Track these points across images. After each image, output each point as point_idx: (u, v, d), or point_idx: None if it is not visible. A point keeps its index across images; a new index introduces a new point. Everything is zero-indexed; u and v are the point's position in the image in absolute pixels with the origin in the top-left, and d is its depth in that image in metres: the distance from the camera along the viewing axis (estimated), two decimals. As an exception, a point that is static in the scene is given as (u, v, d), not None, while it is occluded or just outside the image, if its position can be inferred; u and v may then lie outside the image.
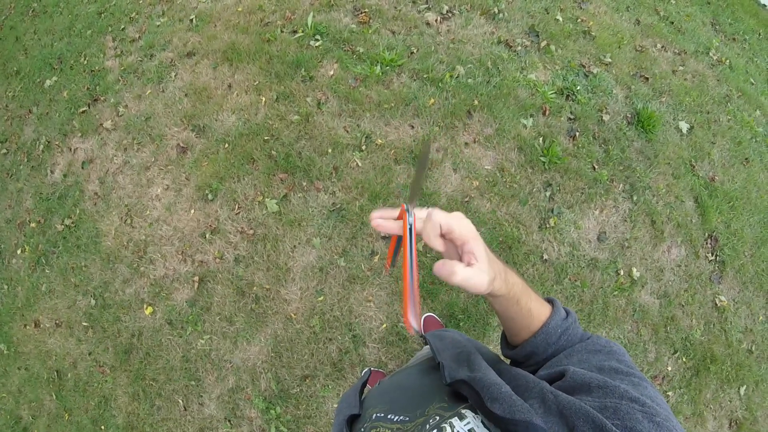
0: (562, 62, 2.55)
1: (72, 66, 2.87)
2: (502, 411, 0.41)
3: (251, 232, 2.16)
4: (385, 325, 2.02)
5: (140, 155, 2.43)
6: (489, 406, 0.43)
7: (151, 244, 2.25)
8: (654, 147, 2.43)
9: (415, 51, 2.47)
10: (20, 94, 2.95)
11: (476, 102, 2.35)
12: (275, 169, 2.24)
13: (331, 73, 2.42)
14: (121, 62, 2.74)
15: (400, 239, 0.52)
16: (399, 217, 0.50)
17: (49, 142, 2.66)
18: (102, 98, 2.65)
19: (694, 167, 2.46)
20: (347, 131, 2.30)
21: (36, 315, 2.36)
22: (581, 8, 2.81)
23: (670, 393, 2.08)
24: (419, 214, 0.50)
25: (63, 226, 2.41)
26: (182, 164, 2.35)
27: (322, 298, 2.06)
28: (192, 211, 2.25)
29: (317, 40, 2.51)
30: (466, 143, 2.28)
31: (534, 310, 0.57)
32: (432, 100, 2.34)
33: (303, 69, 2.43)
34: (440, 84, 2.37)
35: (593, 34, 2.69)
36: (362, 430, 0.55)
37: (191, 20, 2.74)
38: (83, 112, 2.65)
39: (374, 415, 0.56)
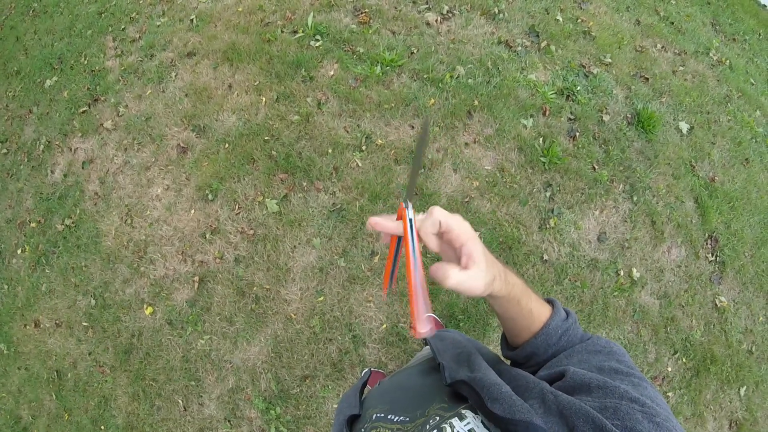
0: (562, 62, 2.55)
1: (72, 66, 2.87)
2: (502, 411, 0.41)
3: (251, 232, 2.16)
4: (385, 326, 2.02)
5: (140, 155, 2.43)
6: (489, 407, 0.43)
7: (151, 244, 2.25)
8: (654, 147, 2.43)
9: (415, 51, 2.48)
10: (21, 94, 2.95)
11: (476, 102, 2.35)
12: (275, 170, 2.24)
13: (332, 73, 2.43)
14: (122, 62, 2.74)
15: (398, 243, 0.51)
16: (398, 218, 0.49)
17: (49, 142, 2.66)
18: (102, 98, 2.65)
19: (694, 168, 2.46)
20: (347, 131, 2.30)
21: (36, 315, 2.36)
22: (581, 8, 2.82)
23: (670, 394, 2.08)
24: (419, 216, 0.50)
25: (63, 226, 2.41)
26: (182, 164, 2.35)
27: (322, 298, 2.06)
28: (192, 211, 2.26)
29: (317, 40, 2.51)
30: (467, 143, 2.28)
31: (534, 311, 0.56)
32: (432, 101, 2.34)
33: (303, 69, 2.43)
34: (440, 84, 2.37)
35: (593, 34, 2.69)
36: (362, 430, 0.55)
37: (191, 20, 2.75)
38: (83, 112, 2.65)
39: (374, 415, 0.56)
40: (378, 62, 2.42)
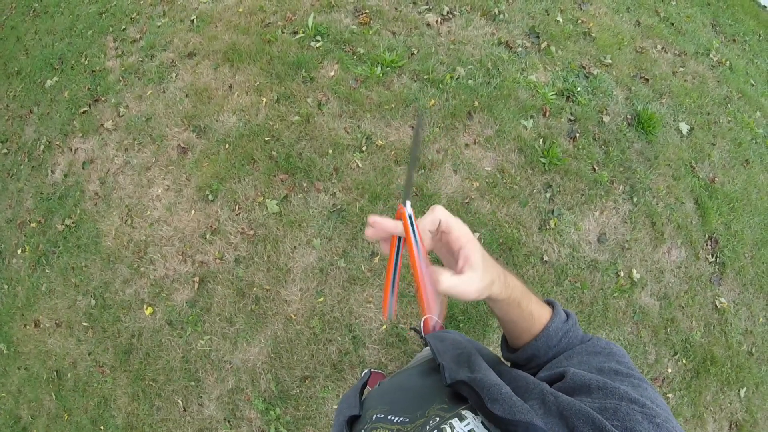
0: (562, 63, 2.55)
1: (73, 66, 2.88)
2: (502, 412, 0.41)
3: (251, 232, 2.17)
4: (385, 327, 2.02)
5: (141, 156, 2.43)
6: (489, 407, 0.43)
7: (151, 245, 2.25)
8: (654, 148, 2.43)
9: (415, 52, 2.48)
10: (21, 94, 2.96)
11: (476, 103, 2.35)
12: (276, 170, 2.24)
13: (332, 74, 2.43)
14: (122, 63, 2.74)
15: (398, 247, 0.51)
16: (397, 218, 0.49)
17: (49, 142, 2.66)
18: (103, 98, 2.66)
19: (694, 168, 2.46)
20: (348, 132, 2.30)
21: (36, 315, 2.36)
22: (581, 9, 2.82)
23: (670, 395, 2.08)
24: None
25: (63, 226, 2.41)
26: (183, 165, 2.35)
27: (322, 299, 2.06)
28: (192, 211, 2.26)
29: (318, 41, 2.52)
30: (467, 144, 2.28)
31: (535, 313, 0.56)
32: (432, 102, 2.35)
33: (304, 70, 2.44)
34: (441, 85, 2.37)
35: (593, 35, 2.69)
36: (362, 431, 0.55)
37: (192, 21, 2.75)
38: (84, 112, 2.65)
39: (374, 416, 0.56)
40: (378, 63, 2.42)
